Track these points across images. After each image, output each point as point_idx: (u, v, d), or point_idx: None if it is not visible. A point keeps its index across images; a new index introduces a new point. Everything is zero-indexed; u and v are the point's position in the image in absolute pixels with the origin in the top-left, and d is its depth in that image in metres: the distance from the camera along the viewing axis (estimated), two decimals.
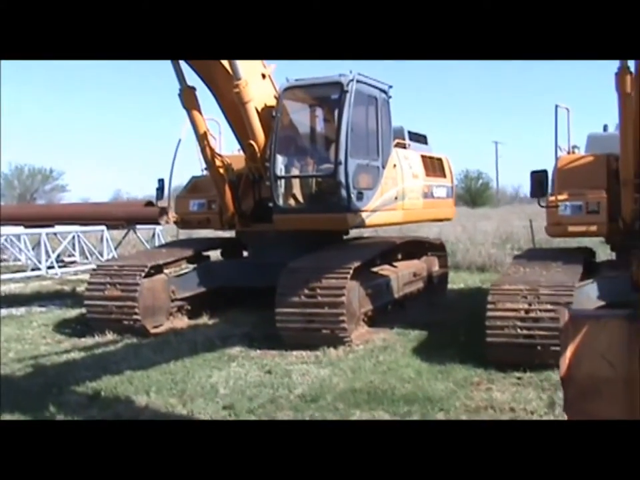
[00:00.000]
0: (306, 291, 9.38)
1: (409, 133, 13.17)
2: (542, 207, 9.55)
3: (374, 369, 8.39)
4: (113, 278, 10.80)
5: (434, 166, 13.66)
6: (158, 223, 19.45)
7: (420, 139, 13.77)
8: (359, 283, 9.89)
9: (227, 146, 12.76)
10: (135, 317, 10.50)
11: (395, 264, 11.77)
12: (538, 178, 9.38)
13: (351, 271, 9.47)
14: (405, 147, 12.56)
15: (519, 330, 8.00)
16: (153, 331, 10.72)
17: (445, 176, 14.19)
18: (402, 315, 11.44)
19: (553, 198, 9.50)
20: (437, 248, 14.11)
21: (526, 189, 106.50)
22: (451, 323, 10.94)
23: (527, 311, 8.09)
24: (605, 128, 11.83)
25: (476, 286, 15.57)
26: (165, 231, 22.02)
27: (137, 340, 10.34)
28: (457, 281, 15.80)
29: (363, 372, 8.23)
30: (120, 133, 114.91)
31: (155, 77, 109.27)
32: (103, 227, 20.10)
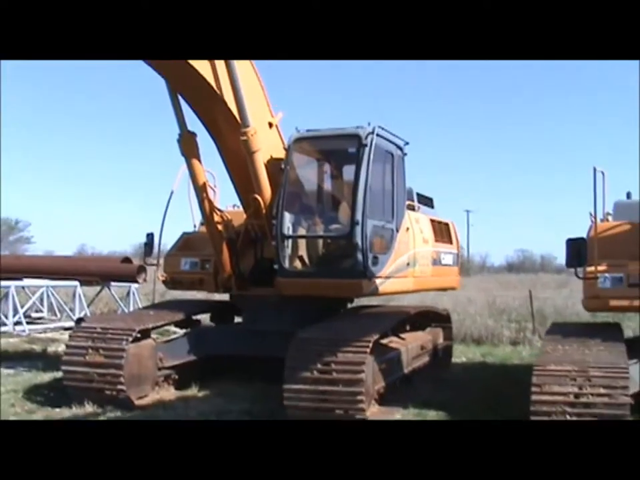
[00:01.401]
0: (319, 366, 8.32)
1: (417, 195, 12.36)
2: (579, 278, 8.68)
3: None
4: (95, 342, 9.65)
5: (442, 231, 12.85)
6: (135, 281, 18.34)
7: (427, 201, 12.97)
8: (373, 357, 8.87)
9: (221, 201, 11.73)
10: (119, 386, 9.35)
11: (402, 335, 10.78)
12: (576, 246, 8.51)
13: (370, 345, 8.47)
14: (414, 209, 11.72)
15: (567, 417, 7.07)
16: (137, 402, 9.59)
17: (451, 242, 13.37)
18: (412, 391, 10.42)
19: (591, 269, 8.63)
20: (442, 319, 13.18)
21: (493, 258, 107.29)
22: (467, 402, 10.07)
23: (576, 395, 7.16)
24: (629, 195, 11.13)
25: (478, 360, 14.76)
26: (140, 290, 20.75)
27: (120, 413, 9.18)
28: (456, 354, 14.79)
29: None
30: (86, 186, 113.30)
31: (123, 129, 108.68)
32: (76, 283, 18.88)
